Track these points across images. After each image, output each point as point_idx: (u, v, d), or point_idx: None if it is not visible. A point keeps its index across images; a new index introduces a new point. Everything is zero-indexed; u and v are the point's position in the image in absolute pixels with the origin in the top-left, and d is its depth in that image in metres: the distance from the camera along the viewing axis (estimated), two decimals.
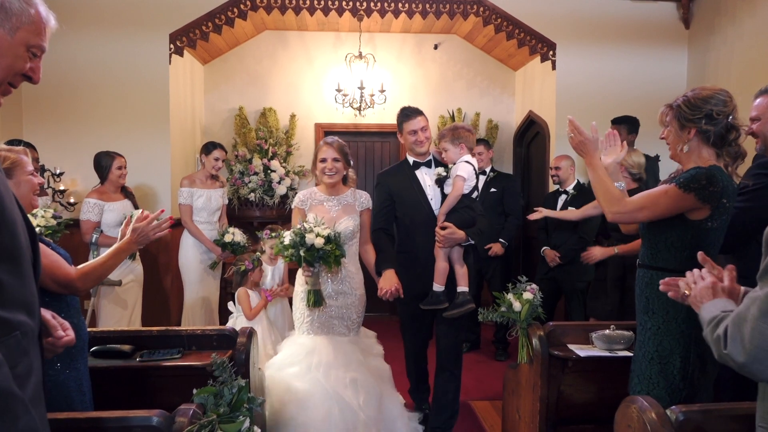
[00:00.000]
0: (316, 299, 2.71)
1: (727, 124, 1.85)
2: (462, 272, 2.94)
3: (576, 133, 2.00)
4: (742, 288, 1.48)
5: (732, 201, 1.87)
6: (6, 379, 0.93)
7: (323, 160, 2.84)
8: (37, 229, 3.31)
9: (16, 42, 1.13)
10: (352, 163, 2.97)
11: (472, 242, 2.93)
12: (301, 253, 2.57)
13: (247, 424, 1.58)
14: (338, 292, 2.81)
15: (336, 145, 2.85)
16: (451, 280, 2.91)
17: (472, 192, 2.96)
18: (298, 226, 2.63)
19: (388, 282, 2.82)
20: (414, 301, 2.93)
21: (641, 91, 4.92)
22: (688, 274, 1.48)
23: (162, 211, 2.01)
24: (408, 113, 3.01)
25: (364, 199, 2.96)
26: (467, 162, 2.94)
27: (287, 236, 2.65)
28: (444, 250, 2.88)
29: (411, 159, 3.05)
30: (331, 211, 2.87)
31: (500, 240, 4.49)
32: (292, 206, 2.98)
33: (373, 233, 2.98)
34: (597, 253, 3.62)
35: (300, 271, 2.84)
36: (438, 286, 2.89)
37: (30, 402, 1.04)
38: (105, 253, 1.92)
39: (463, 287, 2.92)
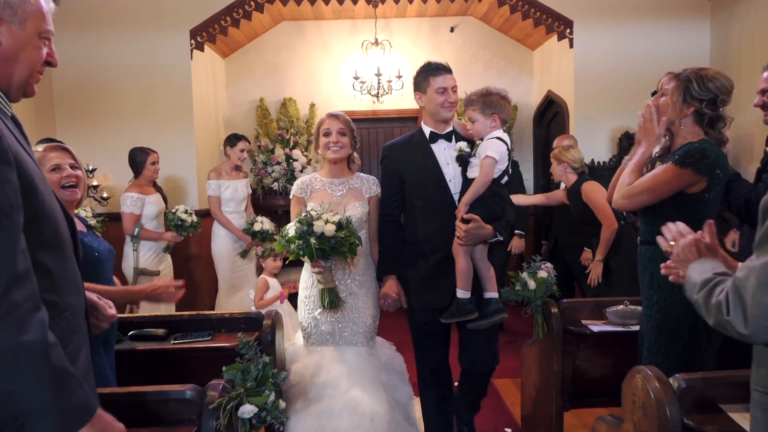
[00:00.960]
0: (331, 299, 2.34)
1: (718, 114, 1.93)
2: (489, 275, 2.44)
3: (648, 119, 1.99)
4: (740, 264, 1.50)
5: (724, 172, 1.93)
6: (61, 359, 1.04)
7: (327, 133, 2.46)
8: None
9: (28, 34, 1.17)
10: (358, 144, 2.57)
11: (501, 238, 2.43)
12: (312, 241, 2.18)
13: (272, 397, 1.71)
14: (347, 292, 2.44)
15: (342, 118, 2.49)
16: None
17: (502, 177, 2.42)
18: (303, 214, 2.27)
19: (388, 291, 2.46)
20: (426, 313, 2.46)
21: (662, 67, 4.66)
22: (664, 229, 1.45)
23: (184, 283, 2.14)
24: (437, 67, 2.45)
25: (372, 183, 2.56)
26: (499, 138, 2.40)
27: (291, 228, 2.28)
28: (465, 248, 2.37)
29: (427, 129, 2.49)
30: (334, 196, 2.48)
31: (516, 231, 4.22)
32: (290, 195, 2.60)
33: (377, 219, 2.56)
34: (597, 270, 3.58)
35: (304, 272, 2.51)
36: (463, 293, 2.38)
37: (81, 376, 1.18)
38: (122, 287, 2.17)
39: (491, 293, 2.43)
